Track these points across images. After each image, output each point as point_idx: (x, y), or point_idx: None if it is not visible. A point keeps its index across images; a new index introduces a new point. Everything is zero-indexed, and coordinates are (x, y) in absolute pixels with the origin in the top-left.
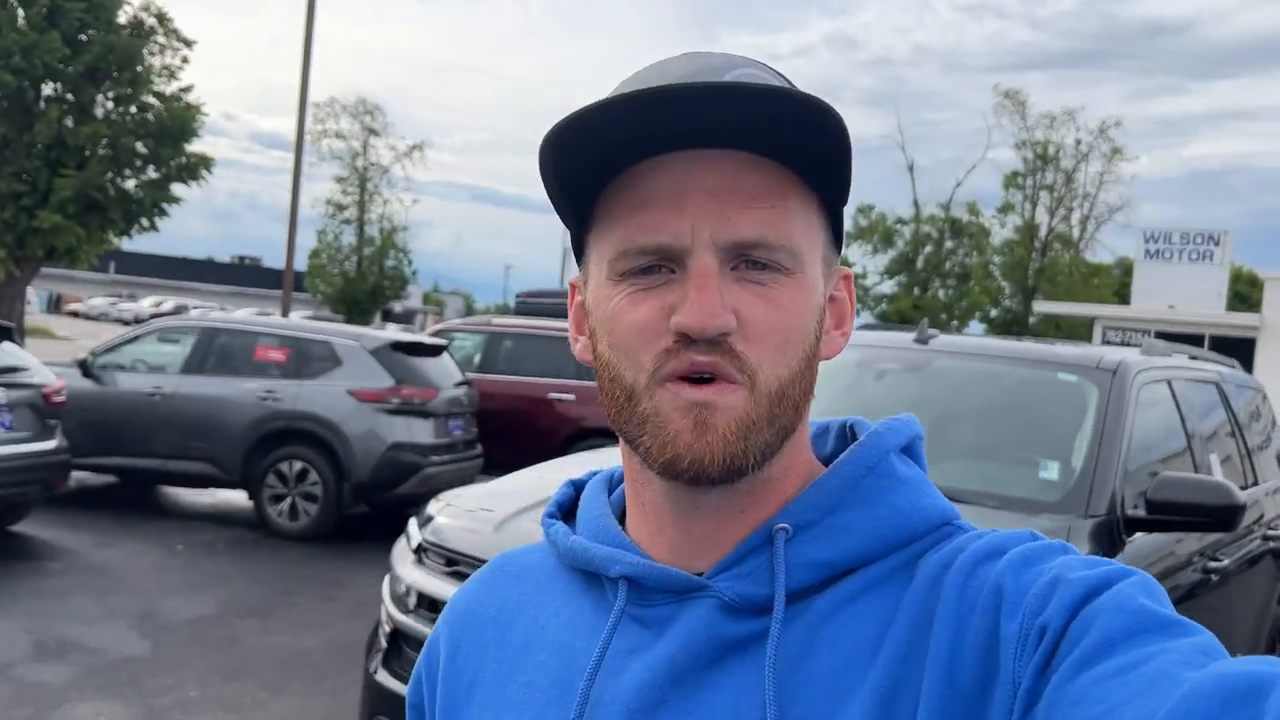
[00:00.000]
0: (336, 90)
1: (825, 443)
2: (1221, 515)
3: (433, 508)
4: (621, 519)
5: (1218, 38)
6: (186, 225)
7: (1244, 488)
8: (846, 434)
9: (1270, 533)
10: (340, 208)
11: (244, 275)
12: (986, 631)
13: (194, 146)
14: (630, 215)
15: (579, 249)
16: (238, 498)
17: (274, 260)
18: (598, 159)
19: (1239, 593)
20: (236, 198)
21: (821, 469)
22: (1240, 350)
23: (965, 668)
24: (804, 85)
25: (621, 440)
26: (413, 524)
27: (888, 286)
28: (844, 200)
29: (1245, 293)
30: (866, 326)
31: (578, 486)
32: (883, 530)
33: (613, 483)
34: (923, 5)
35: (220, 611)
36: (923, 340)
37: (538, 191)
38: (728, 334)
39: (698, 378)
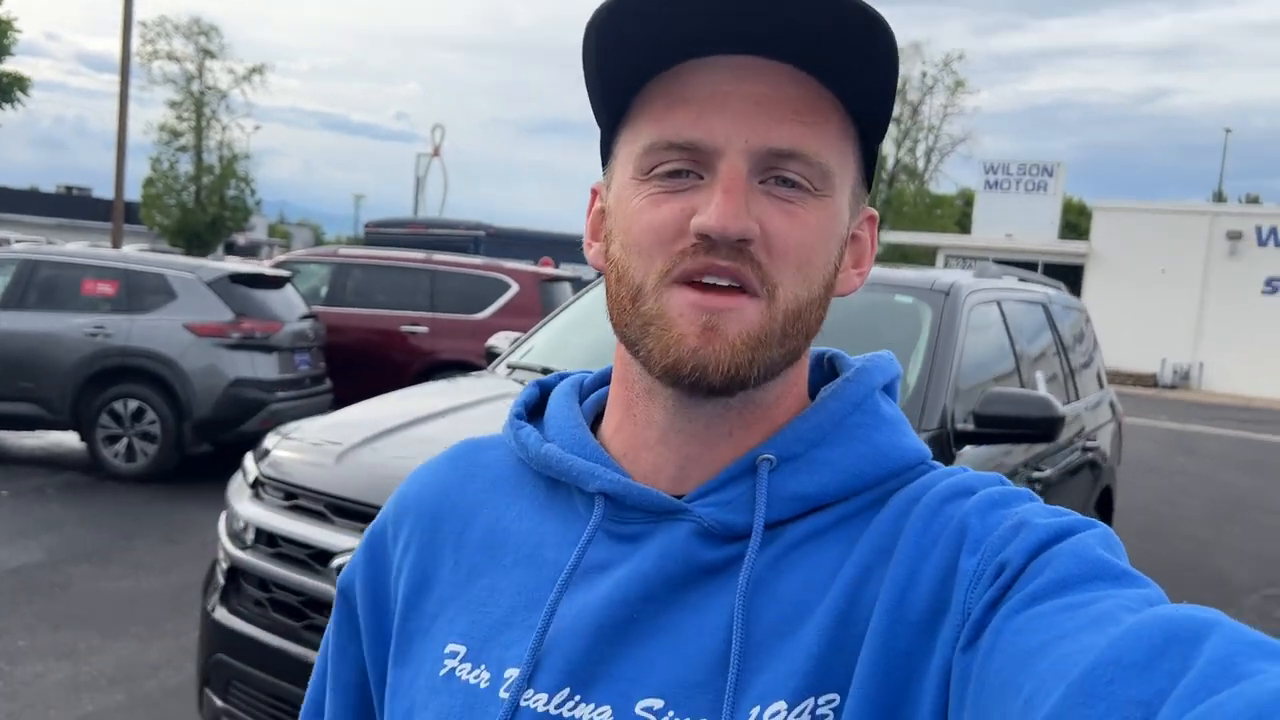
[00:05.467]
0: (168, 8)
1: None
2: (1043, 426)
3: (269, 441)
4: (593, 427)
5: None
6: (5, 153)
7: (1066, 403)
8: (824, 365)
9: (1088, 444)
10: (176, 134)
11: (72, 207)
12: (945, 566)
13: (6, 65)
14: (666, 111)
15: (606, 152)
16: (68, 440)
17: (105, 191)
18: (641, 54)
19: (1060, 501)
20: (62, 124)
21: (808, 401)
22: (1070, 276)
23: (918, 598)
24: None
25: (620, 346)
26: (249, 458)
27: None
28: (881, 136)
29: (1076, 222)
30: None
31: (544, 388)
32: (863, 467)
33: (583, 390)
34: None
35: (50, 558)
36: None
37: (389, 119)
38: (749, 241)
39: (712, 283)
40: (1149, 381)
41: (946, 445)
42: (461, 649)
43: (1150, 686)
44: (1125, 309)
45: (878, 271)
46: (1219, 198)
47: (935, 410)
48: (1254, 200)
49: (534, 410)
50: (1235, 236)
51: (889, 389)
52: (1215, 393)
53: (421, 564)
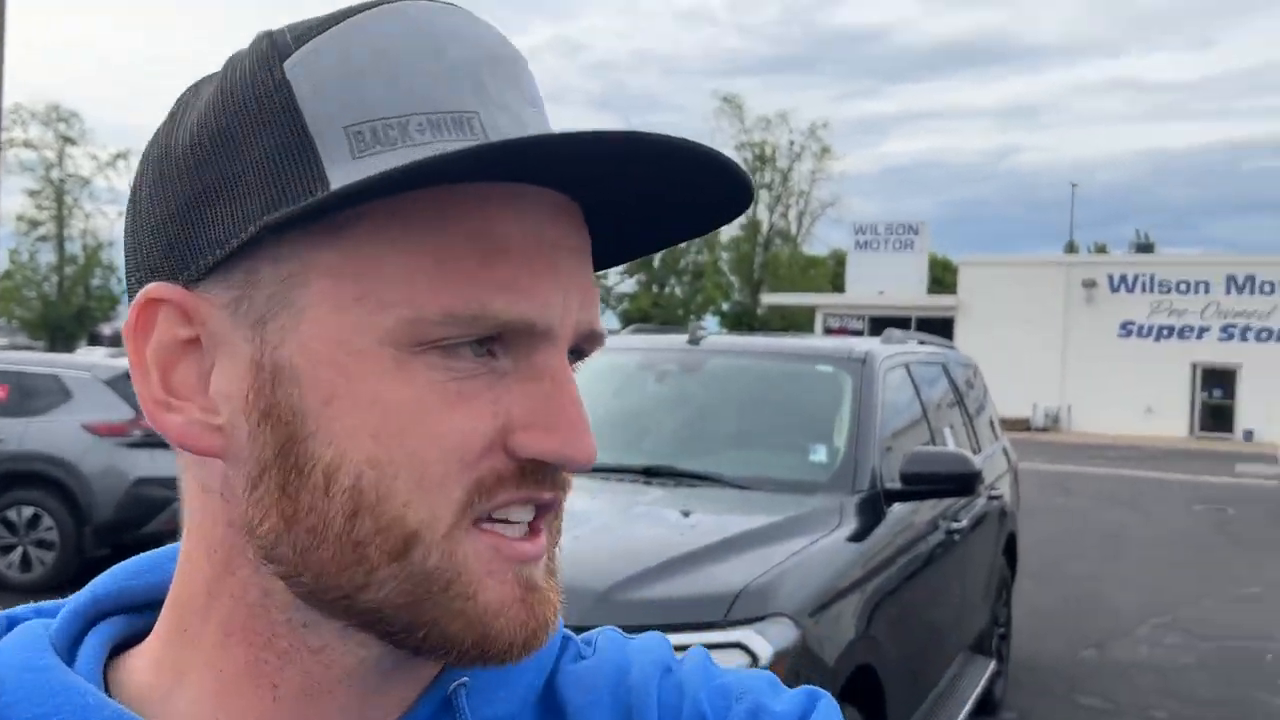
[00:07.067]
0: (22, 95)
1: None
2: (963, 481)
3: None
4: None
5: (907, 44)
6: None
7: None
8: None
9: (993, 493)
10: (35, 224)
11: None
12: None
13: None
14: (480, 263)
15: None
16: None
17: None
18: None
19: (976, 548)
20: None
21: None
22: (942, 329)
23: None
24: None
25: (249, 588)
26: None
27: (628, 285)
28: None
29: (941, 276)
30: (639, 329)
31: None
32: (541, 658)
33: (56, 641)
34: (639, 12)
35: None
36: (695, 341)
37: None
38: None
39: (503, 519)
40: (1023, 425)
41: (878, 504)
42: None
43: None
44: (995, 357)
45: (797, 343)
46: (1071, 248)
47: (865, 472)
48: (1102, 249)
49: None
50: (1090, 284)
51: None
52: (1083, 432)
53: None
